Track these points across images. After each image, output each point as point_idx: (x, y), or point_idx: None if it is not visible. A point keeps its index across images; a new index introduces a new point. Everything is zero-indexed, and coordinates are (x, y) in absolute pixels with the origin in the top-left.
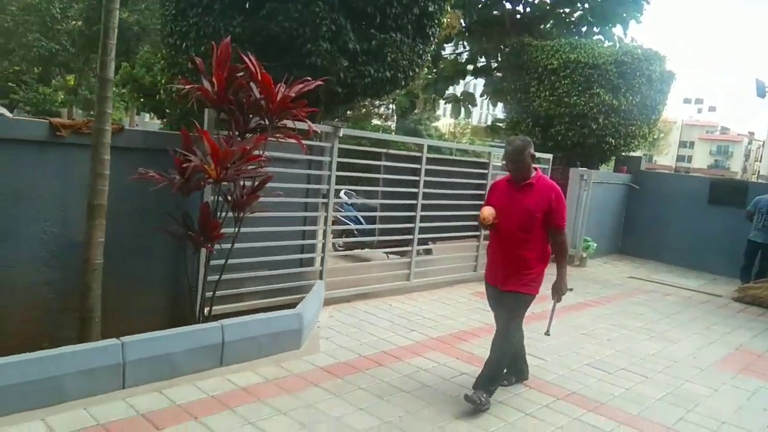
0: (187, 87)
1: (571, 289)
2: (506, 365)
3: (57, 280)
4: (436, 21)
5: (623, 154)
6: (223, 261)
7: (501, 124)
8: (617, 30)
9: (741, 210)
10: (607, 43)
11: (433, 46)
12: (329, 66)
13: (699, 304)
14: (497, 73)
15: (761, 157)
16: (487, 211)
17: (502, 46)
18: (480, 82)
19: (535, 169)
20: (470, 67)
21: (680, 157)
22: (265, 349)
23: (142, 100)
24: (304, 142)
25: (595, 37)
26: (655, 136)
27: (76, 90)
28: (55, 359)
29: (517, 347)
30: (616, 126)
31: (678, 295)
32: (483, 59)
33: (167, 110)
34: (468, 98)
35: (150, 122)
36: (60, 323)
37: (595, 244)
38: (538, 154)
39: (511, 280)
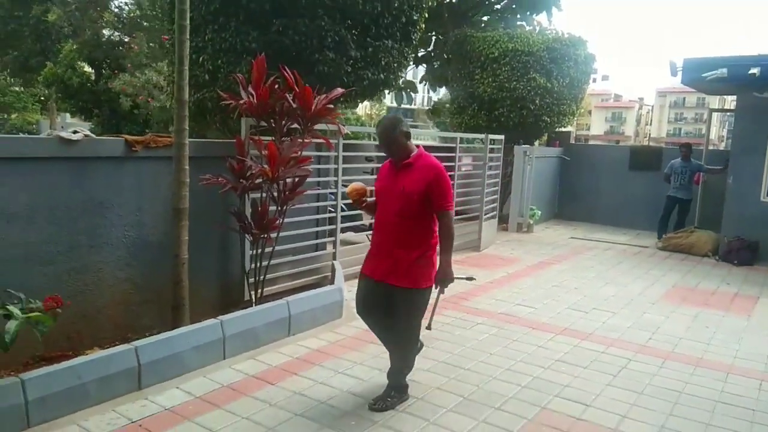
0: (234, 101)
1: (472, 278)
2: (412, 364)
3: (135, 277)
4: (418, 27)
5: (556, 130)
6: (263, 249)
7: (444, 107)
8: (539, 17)
9: (658, 173)
10: (527, 28)
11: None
12: (334, 72)
13: (633, 255)
14: (436, 62)
15: (650, 121)
16: (351, 186)
17: (440, 36)
18: (418, 70)
19: (417, 147)
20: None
21: (578, 125)
22: (318, 319)
23: (68, 101)
24: (313, 140)
25: (518, 24)
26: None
27: None
28: (175, 339)
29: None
30: (551, 106)
31: (614, 249)
32: (422, 49)
33: (95, 110)
34: (409, 85)
35: (75, 122)
36: (139, 314)
37: (540, 212)
38: (491, 136)
39: (395, 273)
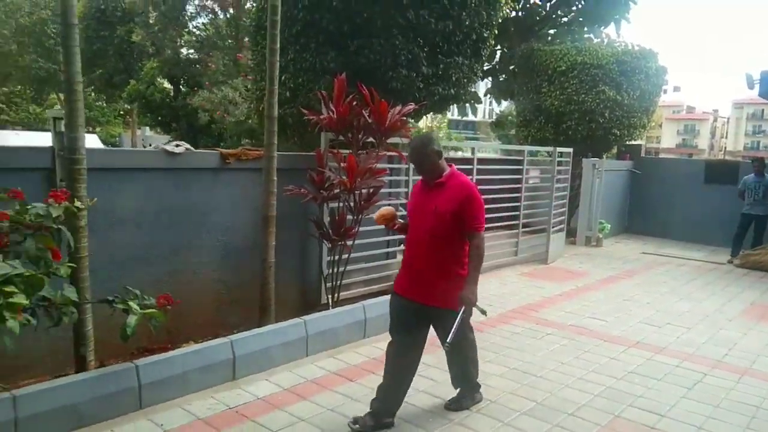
0: (316, 117)
1: (484, 312)
2: (477, 362)
3: (226, 278)
4: (487, 43)
5: (626, 143)
6: (340, 255)
7: (508, 120)
8: (607, 30)
9: (734, 188)
10: (596, 40)
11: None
12: (407, 88)
13: (708, 271)
14: (501, 75)
15: (726, 133)
16: (380, 211)
17: (505, 50)
18: (482, 83)
19: (450, 166)
20: None
21: (648, 138)
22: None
23: (149, 115)
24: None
25: (585, 36)
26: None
27: None
28: (265, 335)
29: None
30: (620, 119)
31: (689, 265)
32: (487, 63)
33: (173, 124)
34: (473, 98)
35: (154, 136)
36: (228, 313)
37: (609, 225)
38: (559, 149)
39: (433, 294)
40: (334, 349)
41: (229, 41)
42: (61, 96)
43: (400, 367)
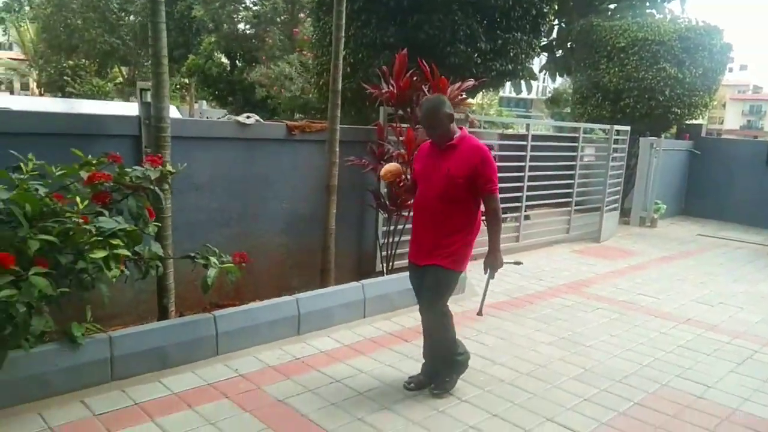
0: (378, 92)
1: (520, 263)
2: (454, 339)
3: (289, 243)
4: (547, 18)
5: (686, 122)
6: (396, 225)
7: (562, 97)
8: (671, 5)
9: None
10: (658, 16)
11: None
12: (464, 64)
13: (767, 254)
14: (558, 51)
15: None
16: (386, 168)
17: (563, 25)
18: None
19: (460, 128)
20: None
21: (711, 119)
22: None
23: (207, 89)
24: None
25: (647, 12)
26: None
27: (132, 81)
28: (327, 296)
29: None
30: (681, 97)
31: (746, 248)
32: (544, 38)
33: (229, 98)
34: (529, 74)
35: (210, 110)
36: (290, 276)
37: (665, 206)
38: (616, 127)
39: (433, 253)
40: (389, 313)
41: (285, 16)
42: (123, 69)
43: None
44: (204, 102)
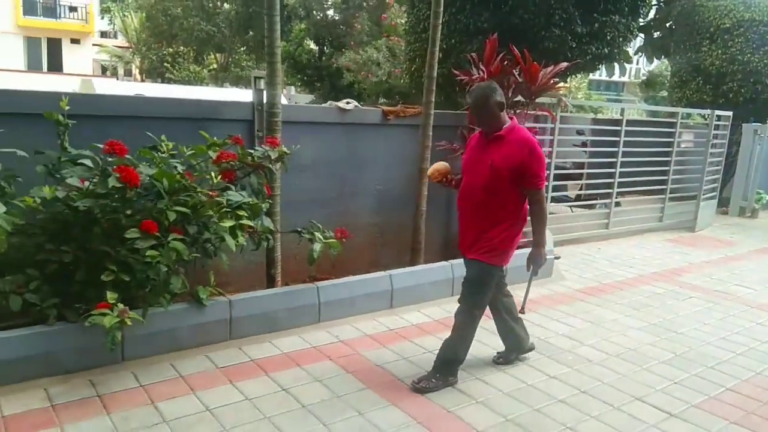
0: (468, 77)
1: (558, 257)
2: (469, 346)
3: (381, 223)
4: (647, 0)
5: None
6: None
7: (660, 80)
8: None
9: None
10: None
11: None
12: (558, 48)
13: None
14: (656, 32)
15: None
16: (433, 167)
17: (662, 5)
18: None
19: (511, 118)
20: None
21: None
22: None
23: (296, 75)
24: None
25: None
26: None
27: (226, 67)
28: (418, 273)
29: (509, 320)
30: None
31: None
32: (642, 19)
33: (317, 84)
34: (625, 57)
35: (298, 95)
36: (381, 254)
37: (767, 196)
38: (717, 112)
39: (474, 246)
40: None
41: (373, 1)
42: (218, 55)
43: (496, 321)
44: (293, 88)
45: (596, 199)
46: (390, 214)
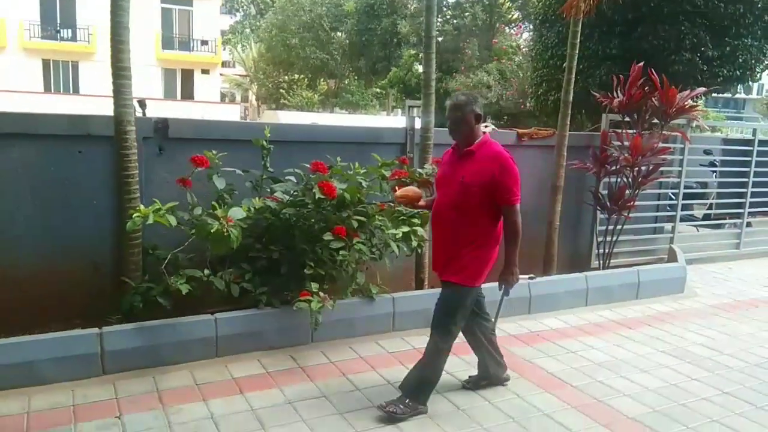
0: (608, 101)
1: (532, 277)
2: (440, 372)
3: None
4: None
5: None
6: (615, 225)
7: None
8: None
9: None
10: None
11: None
12: (688, 71)
13: None
14: None
15: None
16: (402, 190)
17: None
18: None
19: (484, 134)
20: None
21: None
22: (662, 289)
23: (405, 99)
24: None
25: None
26: None
27: (336, 93)
28: (555, 282)
29: (486, 344)
30: None
31: None
32: None
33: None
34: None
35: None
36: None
37: None
38: None
39: (447, 267)
40: (609, 303)
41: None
42: (330, 81)
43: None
44: (400, 111)
45: (725, 219)
46: (523, 227)
